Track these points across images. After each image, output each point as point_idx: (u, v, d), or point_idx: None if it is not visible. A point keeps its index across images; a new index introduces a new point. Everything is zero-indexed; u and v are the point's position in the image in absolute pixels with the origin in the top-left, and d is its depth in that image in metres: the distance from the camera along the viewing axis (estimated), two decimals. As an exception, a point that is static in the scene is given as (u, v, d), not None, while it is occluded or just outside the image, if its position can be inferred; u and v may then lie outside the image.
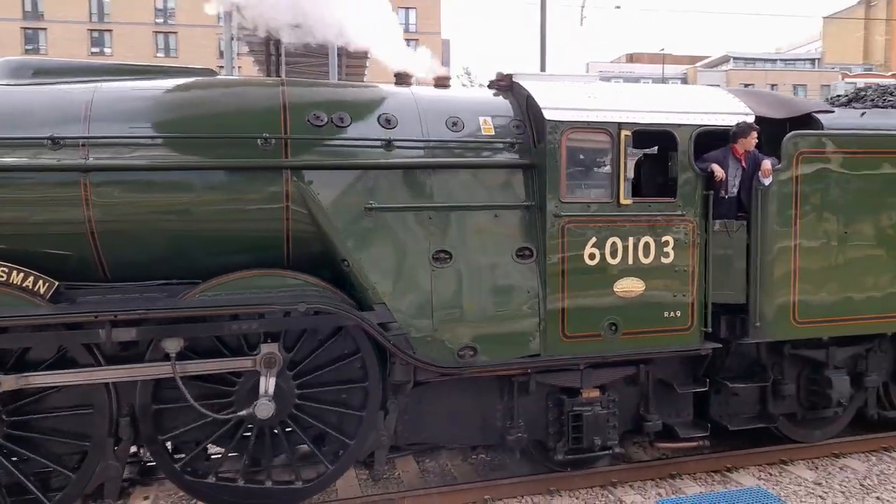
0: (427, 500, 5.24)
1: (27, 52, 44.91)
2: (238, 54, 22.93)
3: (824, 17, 69.53)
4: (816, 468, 5.97)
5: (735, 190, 5.51)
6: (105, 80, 4.91)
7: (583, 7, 33.44)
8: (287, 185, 4.76)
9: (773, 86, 50.52)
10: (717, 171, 5.31)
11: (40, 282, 4.35)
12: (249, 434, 4.98)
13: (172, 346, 4.54)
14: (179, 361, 4.53)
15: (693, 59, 59.11)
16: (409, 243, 4.94)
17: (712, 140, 5.52)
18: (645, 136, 5.21)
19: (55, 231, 4.55)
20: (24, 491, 4.60)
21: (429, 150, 5.06)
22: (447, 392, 5.21)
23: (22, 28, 46.20)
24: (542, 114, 5.06)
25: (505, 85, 5.63)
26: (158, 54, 48.31)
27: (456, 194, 5.05)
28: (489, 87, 5.91)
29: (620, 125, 5.13)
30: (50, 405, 4.64)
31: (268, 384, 4.70)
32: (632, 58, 57.48)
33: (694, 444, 5.86)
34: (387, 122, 5.04)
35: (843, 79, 50.45)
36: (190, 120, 4.78)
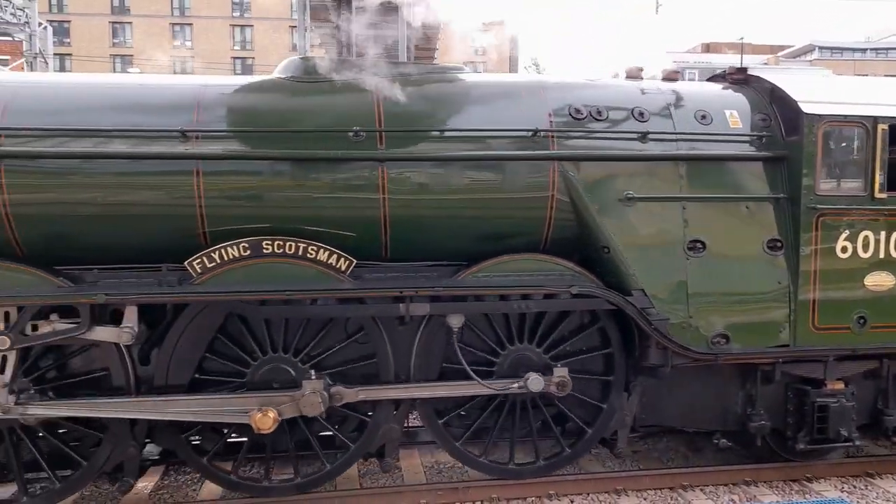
0: (489, 491, 5.27)
1: (114, 45, 46.82)
2: (311, 46, 23.54)
3: (918, 3, 65.62)
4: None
5: None
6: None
7: (660, -6, 32.61)
8: (553, 174, 5.00)
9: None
10: None
11: (342, 259, 4.71)
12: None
13: (456, 321, 4.89)
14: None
15: (774, 49, 57.11)
16: (666, 232, 5.13)
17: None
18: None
19: (359, 216, 4.90)
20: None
21: (681, 143, 5.22)
22: (688, 377, 5.36)
23: (110, 23, 48.17)
24: (797, 107, 5.16)
25: (740, 78, 5.73)
26: (235, 47, 49.73)
27: (708, 186, 5.21)
28: (713, 79, 6.03)
29: (877, 119, 5.18)
30: None
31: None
32: (708, 48, 56.00)
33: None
34: (640, 116, 5.23)
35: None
36: (466, 115, 5.09)
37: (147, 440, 5.07)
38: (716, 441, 5.61)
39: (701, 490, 5.48)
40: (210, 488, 5.46)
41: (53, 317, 4.47)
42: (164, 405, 4.66)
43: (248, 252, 4.60)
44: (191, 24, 49.56)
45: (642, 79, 5.79)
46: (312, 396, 4.67)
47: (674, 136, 5.21)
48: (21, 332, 4.40)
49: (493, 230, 5.10)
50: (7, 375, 4.42)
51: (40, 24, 27.82)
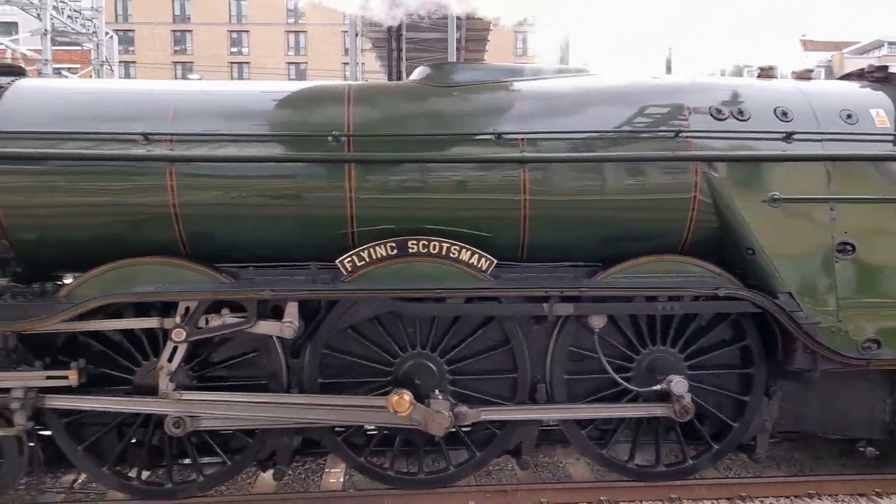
0: (540, 494, 5.17)
1: (175, 52, 48.35)
2: (362, 50, 23.91)
3: None
4: None
5: None
6: (526, 80, 5.31)
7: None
8: (696, 175, 4.96)
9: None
10: None
11: (483, 259, 4.78)
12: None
13: (598, 322, 4.91)
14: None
15: (837, 46, 55.22)
16: (813, 234, 5.02)
17: None
18: None
19: (499, 216, 4.97)
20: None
21: (827, 143, 5.10)
22: (832, 382, 5.21)
23: (172, 31, 49.77)
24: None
25: (881, 76, 5.58)
26: (289, 52, 50.77)
27: (857, 187, 5.08)
28: (846, 78, 5.90)
29: None
30: None
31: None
32: (766, 47, 54.35)
33: None
34: (783, 115, 5.13)
35: None
36: (606, 116, 5.10)
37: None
38: (861, 449, 5.46)
39: (760, 502, 5.18)
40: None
41: (224, 311, 4.69)
42: (309, 410, 4.81)
43: (395, 251, 4.74)
44: (247, 31, 50.82)
45: (775, 77, 5.70)
46: (439, 416, 4.72)
47: (819, 136, 5.09)
48: (195, 326, 4.63)
49: (631, 231, 5.09)
50: (173, 365, 4.64)
51: (107, 33, 29.03)
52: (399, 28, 18.39)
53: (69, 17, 25.71)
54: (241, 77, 49.05)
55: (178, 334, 4.56)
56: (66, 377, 4.55)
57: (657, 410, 5.00)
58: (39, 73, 23.66)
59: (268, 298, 4.62)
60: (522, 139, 4.90)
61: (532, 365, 5.07)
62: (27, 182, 4.72)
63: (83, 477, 5.27)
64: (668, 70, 6.03)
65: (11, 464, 4.75)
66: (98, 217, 4.77)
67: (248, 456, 5.06)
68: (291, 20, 51.17)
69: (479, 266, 4.78)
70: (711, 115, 5.07)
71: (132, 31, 49.21)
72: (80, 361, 4.67)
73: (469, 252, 4.77)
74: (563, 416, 5.19)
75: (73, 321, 4.55)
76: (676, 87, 5.31)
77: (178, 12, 50.13)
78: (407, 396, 4.67)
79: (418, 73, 5.49)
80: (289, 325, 4.64)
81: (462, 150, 4.92)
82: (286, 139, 4.87)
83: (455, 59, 17.64)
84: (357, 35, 20.48)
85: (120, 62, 33.85)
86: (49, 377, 4.57)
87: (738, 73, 6.40)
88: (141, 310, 4.75)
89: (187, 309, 4.63)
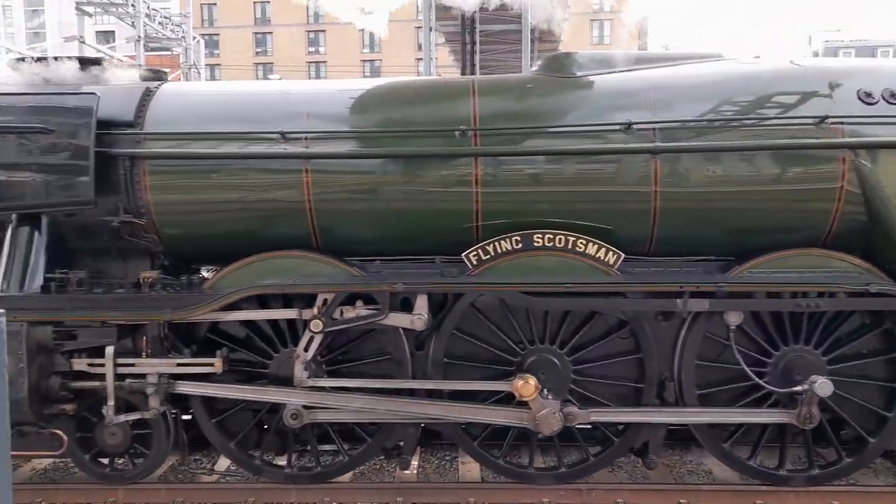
0: (616, 495, 5.01)
1: (257, 54, 50.03)
2: (435, 45, 23.88)
3: None
4: None
5: None
6: (656, 67, 5.14)
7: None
8: (844, 164, 4.65)
9: None
10: None
11: (610, 253, 4.67)
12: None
13: (734, 318, 4.71)
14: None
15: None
16: None
17: None
18: None
19: (628, 209, 4.85)
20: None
21: None
22: None
23: (253, 33, 51.55)
24: None
25: None
26: (364, 49, 51.60)
27: None
28: None
29: None
30: None
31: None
32: (864, 26, 51.27)
33: None
34: None
35: None
36: (743, 103, 4.86)
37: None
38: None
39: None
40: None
41: (358, 303, 4.82)
42: (431, 407, 4.88)
43: (520, 245, 4.70)
44: (324, 31, 51.98)
45: None
46: (550, 415, 4.69)
47: None
48: (331, 317, 4.77)
49: (769, 224, 4.83)
50: (310, 354, 4.81)
51: (194, 38, 30.31)
52: (472, 21, 18.34)
53: (160, 23, 27.00)
54: (317, 76, 50.22)
55: (316, 325, 4.72)
56: (211, 364, 4.79)
57: (780, 417, 4.78)
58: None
59: (401, 291, 4.70)
60: (654, 129, 4.74)
61: (660, 362, 4.92)
62: (176, 180, 4.98)
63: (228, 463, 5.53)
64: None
65: (158, 444, 5.03)
66: (239, 213, 4.98)
67: (374, 445, 5.16)
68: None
69: (605, 260, 4.67)
70: (860, 98, 4.72)
71: (217, 34, 51.29)
72: (223, 350, 4.89)
73: (596, 246, 4.68)
74: (675, 420, 5.05)
75: (223, 311, 4.79)
76: (819, 70, 4.99)
77: (259, 15, 51.82)
78: (532, 381, 4.67)
79: (540, 63, 5.41)
80: (419, 317, 4.74)
81: (590, 142, 4.81)
82: (415, 135, 4.89)
83: (529, 51, 17.49)
84: (430, 30, 20.54)
85: (206, 65, 35.26)
86: (196, 364, 4.82)
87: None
88: (277, 302, 4.94)
89: (324, 301, 4.77)
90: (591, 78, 5.08)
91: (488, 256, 4.72)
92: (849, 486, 5.15)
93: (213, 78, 45.19)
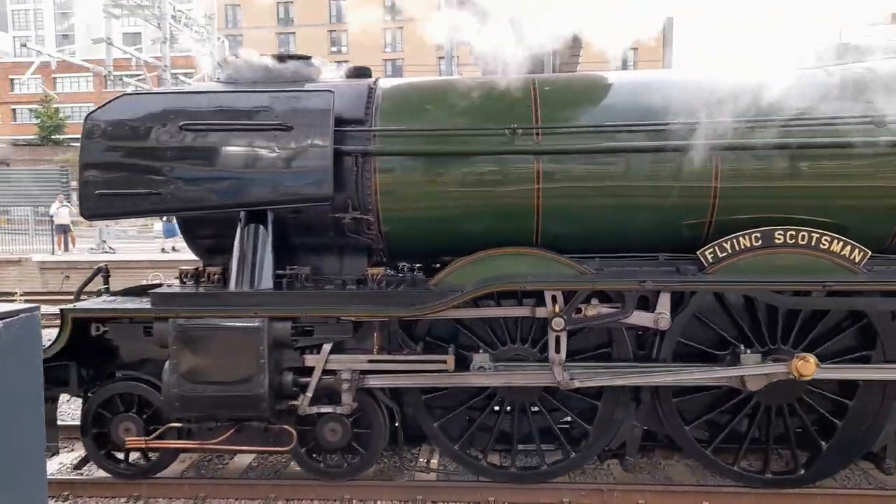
0: (637, 496, 5.02)
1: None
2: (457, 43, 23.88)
3: None
4: None
5: None
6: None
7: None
8: None
9: None
10: None
11: (856, 250, 4.54)
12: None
13: None
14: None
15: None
16: None
17: None
18: None
19: (874, 205, 4.76)
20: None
21: None
22: None
23: (276, 34, 52.09)
24: None
25: None
26: (387, 49, 51.81)
27: None
28: None
29: None
30: None
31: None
32: (896, 20, 50.13)
33: None
34: None
35: None
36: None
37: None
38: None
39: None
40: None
41: (594, 301, 4.77)
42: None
43: (760, 242, 4.60)
44: (346, 31, 52.29)
45: None
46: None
47: None
48: (572, 315, 4.73)
49: None
50: (562, 354, 4.76)
51: (218, 38, 30.64)
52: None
53: (185, 25, 27.29)
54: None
55: (558, 323, 4.68)
56: (444, 361, 4.81)
57: None
58: (160, 79, 25.32)
59: (650, 289, 4.64)
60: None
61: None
62: (403, 177, 4.96)
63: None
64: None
65: (376, 437, 5.10)
66: (464, 210, 4.97)
67: (596, 445, 5.13)
68: (388, 17, 52.11)
69: (851, 258, 4.52)
70: None
71: (240, 35, 51.86)
72: (451, 347, 4.93)
73: (841, 243, 4.53)
74: None
75: (457, 308, 4.78)
76: None
77: (281, 15, 52.34)
78: (812, 359, 4.59)
79: None
80: (662, 315, 4.68)
81: (836, 137, 4.62)
82: (647, 129, 4.79)
83: (552, 61, 17.30)
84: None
85: (230, 66, 35.41)
86: (428, 361, 4.86)
87: None
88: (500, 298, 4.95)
89: (554, 298, 4.73)
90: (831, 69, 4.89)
91: (725, 254, 4.63)
92: (877, 490, 5.06)
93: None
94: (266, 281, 4.88)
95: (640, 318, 4.73)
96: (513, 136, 4.79)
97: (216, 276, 5.10)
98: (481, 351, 4.96)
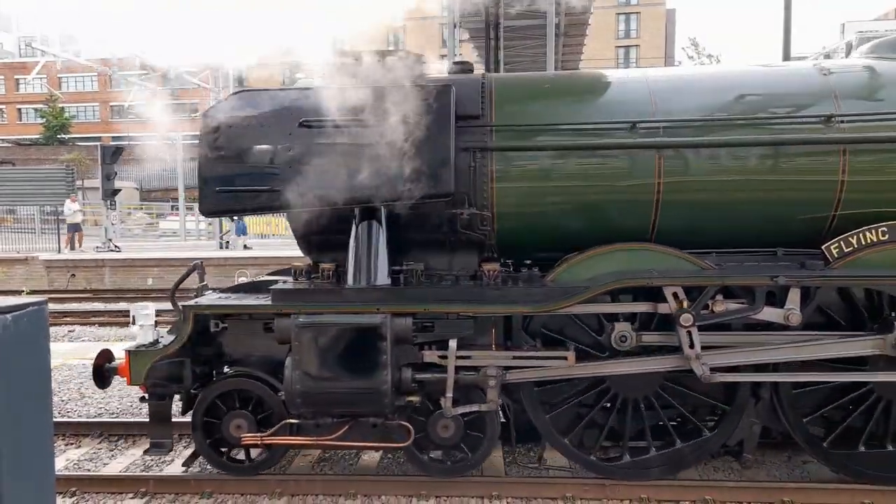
0: (640, 490, 5.00)
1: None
2: (460, 41, 23.74)
3: None
4: None
5: None
6: None
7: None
8: None
9: None
10: None
11: None
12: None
13: None
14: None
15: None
16: None
17: None
18: None
19: None
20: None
21: None
22: None
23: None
24: None
25: None
26: (390, 48, 51.66)
27: None
28: None
29: None
30: None
31: None
32: (901, 14, 49.74)
33: None
34: None
35: None
36: None
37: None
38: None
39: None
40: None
41: (718, 297, 4.74)
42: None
43: (887, 236, 4.60)
44: (402, 27, 52.20)
45: None
46: None
47: None
48: (700, 311, 4.69)
49: None
50: (697, 348, 4.70)
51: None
52: (497, 17, 18.24)
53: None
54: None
55: (686, 319, 4.63)
56: (564, 357, 4.79)
57: None
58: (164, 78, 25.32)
59: (783, 284, 4.61)
60: None
61: None
62: (520, 172, 4.96)
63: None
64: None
65: (490, 433, 5.08)
66: (580, 205, 4.95)
67: (716, 440, 5.10)
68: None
69: None
70: None
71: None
72: (570, 343, 4.92)
73: None
74: None
75: (582, 304, 4.74)
76: None
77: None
78: None
79: (869, 47, 5.29)
80: (792, 311, 4.64)
81: None
82: (770, 122, 4.80)
83: (553, 46, 17.29)
84: (455, 26, 20.47)
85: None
86: (550, 357, 4.83)
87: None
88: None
89: (674, 294, 4.70)
90: None
91: (850, 248, 4.63)
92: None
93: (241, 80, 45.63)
94: (382, 277, 4.87)
95: (768, 313, 4.68)
96: (634, 130, 4.78)
97: (329, 273, 5.06)
98: (622, 319, 4.89)
